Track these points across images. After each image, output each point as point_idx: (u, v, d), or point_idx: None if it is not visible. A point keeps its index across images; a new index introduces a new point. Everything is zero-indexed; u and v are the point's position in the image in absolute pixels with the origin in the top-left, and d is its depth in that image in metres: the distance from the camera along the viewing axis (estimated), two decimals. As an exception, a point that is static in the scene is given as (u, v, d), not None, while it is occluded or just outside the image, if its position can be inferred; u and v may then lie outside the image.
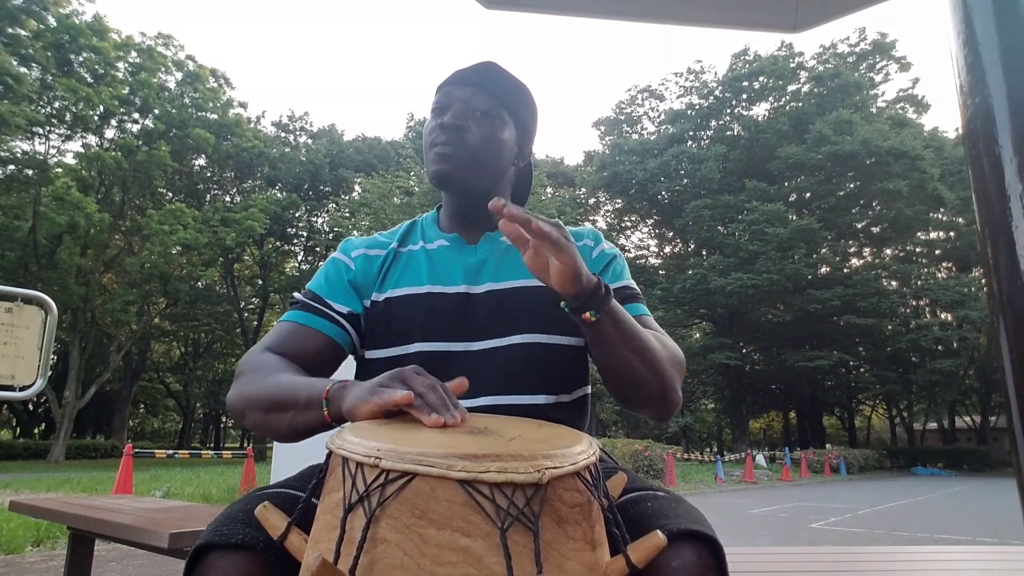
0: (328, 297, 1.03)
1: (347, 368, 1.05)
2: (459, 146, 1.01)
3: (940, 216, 29.61)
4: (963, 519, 8.55)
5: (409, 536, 0.54)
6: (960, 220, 28.78)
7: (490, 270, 1.04)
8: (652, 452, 13.78)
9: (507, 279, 1.03)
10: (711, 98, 31.75)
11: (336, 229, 24.81)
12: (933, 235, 30.73)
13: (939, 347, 26.71)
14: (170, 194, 27.05)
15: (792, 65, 30.56)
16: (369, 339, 1.03)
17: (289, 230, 30.80)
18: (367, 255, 1.07)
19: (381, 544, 0.54)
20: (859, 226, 30.05)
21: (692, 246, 32.27)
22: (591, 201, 33.34)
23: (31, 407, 30.80)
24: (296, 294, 1.06)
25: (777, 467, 18.66)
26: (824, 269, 27.50)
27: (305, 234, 31.49)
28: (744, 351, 28.98)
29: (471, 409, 0.94)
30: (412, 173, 21.15)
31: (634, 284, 1.08)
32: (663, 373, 0.89)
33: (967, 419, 36.04)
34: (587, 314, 0.81)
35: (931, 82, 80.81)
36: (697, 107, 31.99)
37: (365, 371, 1.03)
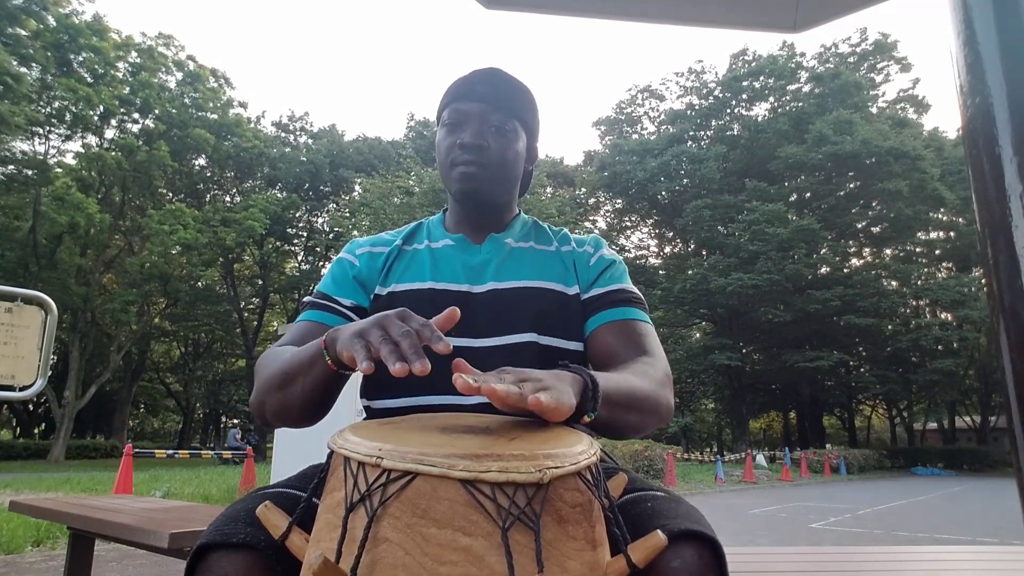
0: (334, 294, 1.05)
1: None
2: (482, 165, 1.04)
3: (940, 216, 29.61)
4: (963, 519, 8.55)
5: (411, 535, 0.54)
6: (960, 220, 28.78)
7: (493, 270, 1.05)
8: (652, 452, 13.77)
9: (509, 279, 1.04)
10: (711, 98, 31.76)
11: (336, 229, 24.80)
12: (933, 235, 30.75)
13: (939, 347, 26.70)
14: (170, 194, 27.06)
15: (792, 65, 30.57)
16: None
17: (289, 230, 30.79)
18: (371, 252, 1.10)
19: (383, 543, 0.55)
20: (859, 226, 30.05)
21: (692, 246, 32.27)
22: (591, 201, 33.34)
23: (31, 407, 30.79)
24: (307, 298, 1.09)
25: (777, 467, 18.65)
26: (824, 269, 27.50)
27: (305, 234, 31.49)
28: (744, 351, 28.98)
29: (470, 408, 0.94)
30: (412, 173, 21.13)
31: (632, 288, 1.09)
32: (657, 412, 0.90)
33: (967, 419, 36.03)
34: (584, 418, 0.79)
35: (931, 82, 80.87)
36: (697, 107, 31.99)
37: None
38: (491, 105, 1.05)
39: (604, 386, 0.79)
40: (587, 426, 0.84)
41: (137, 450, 10.29)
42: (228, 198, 30.22)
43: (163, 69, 24.25)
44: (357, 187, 26.81)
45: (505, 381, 0.67)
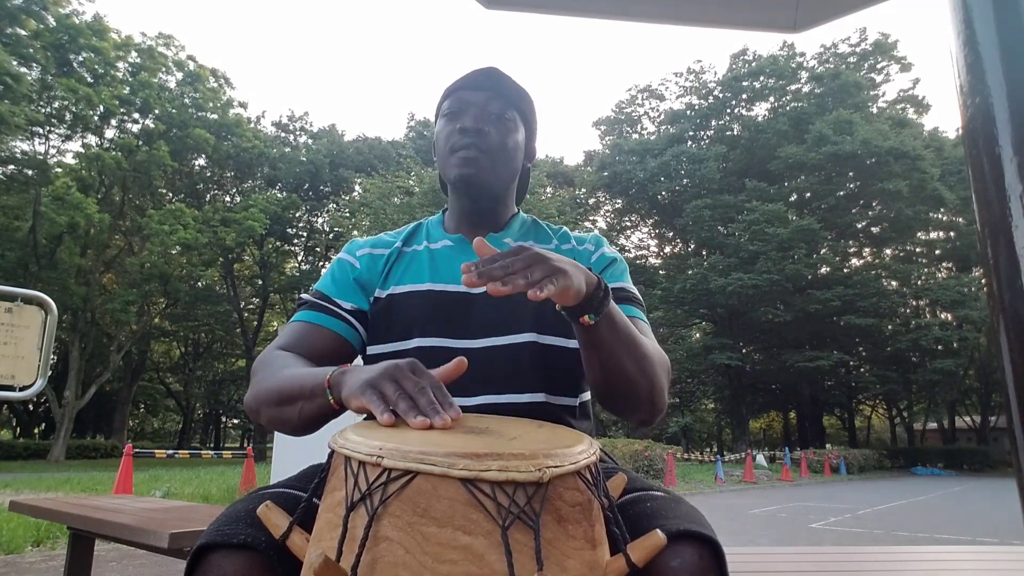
0: (335, 296, 1.04)
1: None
2: (482, 150, 1.03)
3: (940, 216, 29.62)
4: (963, 519, 8.55)
5: (411, 534, 0.54)
6: (960, 220, 28.79)
7: None
8: (652, 452, 13.77)
9: None
10: (711, 98, 31.76)
11: (336, 229, 24.82)
12: (933, 235, 30.75)
13: (939, 347, 26.70)
14: (170, 194, 27.07)
15: (792, 65, 30.58)
16: (371, 335, 1.05)
17: (289, 230, 30.80)
18: (372, 254, 1.10)
19: (383, 542, 0.55)
20: (859, 226, 30.06)
21: (692, 246, 32.27)
22: (591, 201, 33.34)
23: (31, 407, 30.79)
24: (304, 295, 1.08)
25: (777, 467, 18.66)
26: (824, 269, 27.51)
27: (305, 234, 31.50)
28: (744, 351, 28.98)
29: (470, 408, 0.94)
30: (412, 173, 21.14)
31: (632, 288, 1.08)
32: (654, 376, 0.88)
33: (967, 419, 36.03)
34: (585, 317, 0.79)
35: (931, 82, 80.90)
36: (697, 107, 31.99)
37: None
38: (491, 94, 1.06)
39: (613, 306, 0.81)
40: (585, 331, 0.82)
41: (137, 450, 10.29)
42: (228, 198, 30.22)
43: (163, 69, 24.24)
44: (357, 187, 26.80)
45: (514, 266, 0.70)
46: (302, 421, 0.84)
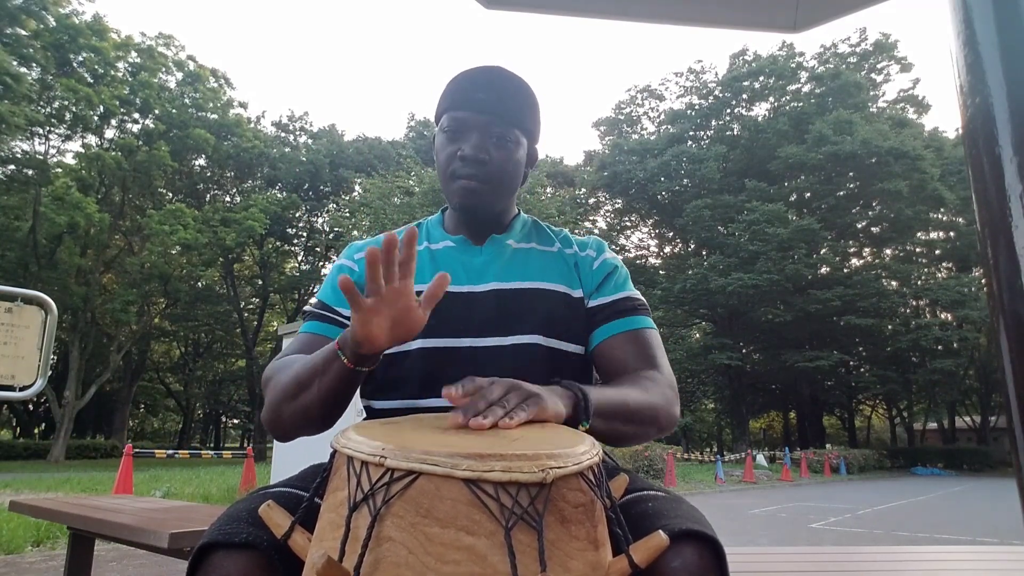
0: (334, 304, 1.04)
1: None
2: (484, 179, 1.02)
3: (940, 216, 29.62)
4: (963, 519, 8.55)
5: (414, 534, 0.54)
6: (960, 220, 28.80)
7: (495, 270, 1.04)
8: (652, 452, 13.77)
9: (512, 280, 1.03)
10: (711, 98, 31.77)
11: (336, 229, 24.79)
12: (933, 235, 30.75)
13: (939, 347, 26.70)
14: (170, 194, 27.05)
15: (792, 65, 30.58)
16: None
17: (289, 230, 30.79)
18: None
19: (386, 542, 0.55)
20: (859, 226, 30.06)
21: (692, 246, 32.28)
22: (591, 201, 33.33)
23: (31, 407, 30.78)
24: (306, 307, 1.09)
25: (777, 467, 18.65)
26: (824, 269, 27.50)
27: (305, 234, 31.49)
28: (744, 351, 28.98)
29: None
30: (412, 173, 21.13)
31: (637, 295, 1.07)
32: (656, 422, 0.92)
33: (967, 419, 36.02)
34: (579, 427, 0.81)
35: (931, 82, 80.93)
36: (697, 107, 32.00)
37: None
38: (492, 115, 1.02)
39: (597, 399, 0.82)
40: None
41: (137, 450, 10.30)
42: (228, 198, 30.21)
43: (163, 69, 24.24)
44: (357, 187, 26.78)
45: (491, 395, 0.72)
46: (324, 400, 0.84)
